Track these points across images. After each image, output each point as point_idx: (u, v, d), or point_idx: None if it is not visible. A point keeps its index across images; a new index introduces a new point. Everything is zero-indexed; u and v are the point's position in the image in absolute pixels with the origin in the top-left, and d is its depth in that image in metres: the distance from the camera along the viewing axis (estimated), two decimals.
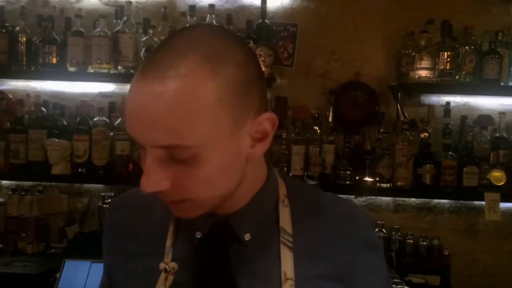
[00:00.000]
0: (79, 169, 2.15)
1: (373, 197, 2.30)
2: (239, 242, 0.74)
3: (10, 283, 1.84)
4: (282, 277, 0.72)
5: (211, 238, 0.75)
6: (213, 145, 0.63)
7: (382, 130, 2.23)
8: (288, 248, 0.74)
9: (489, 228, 2.28)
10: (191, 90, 0.61)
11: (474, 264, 2.29)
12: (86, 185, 2.34)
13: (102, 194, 2.23)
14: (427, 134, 2.18)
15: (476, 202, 2.26)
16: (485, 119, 2.27)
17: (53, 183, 2.30)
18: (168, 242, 0.76)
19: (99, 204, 2.22)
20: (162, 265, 0.74)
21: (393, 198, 2.30)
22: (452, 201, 2.30)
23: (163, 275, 0.74)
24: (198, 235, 0.75)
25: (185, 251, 0.76)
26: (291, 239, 0.75)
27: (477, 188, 2.10)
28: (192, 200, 0.67)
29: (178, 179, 0.64)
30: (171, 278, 0.73)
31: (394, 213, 2.31)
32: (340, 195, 0.86)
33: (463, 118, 2.25)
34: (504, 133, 2.19)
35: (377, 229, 2.12)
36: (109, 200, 2.20)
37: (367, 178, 2.18)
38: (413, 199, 2.31)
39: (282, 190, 0.80)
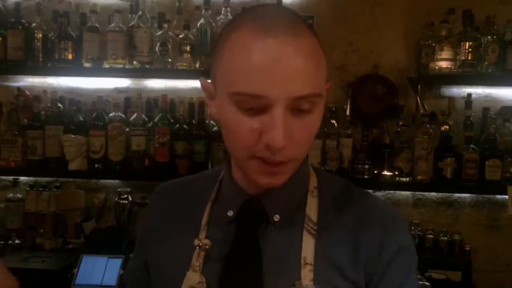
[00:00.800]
0: (96, 165, 2.15)
1: (392, 192, 2.26)
2: (267, 222, 0.79)
3: (28, 278, 1.85)
4: (302, 261, 0.75)
5: (242, 217, 0.80)
6: (323, 97, 0.71)
7: (401, 123, 2.18)
8: (311, 234, 0.77)
9: (511, 222, 2.23)
10: (318, 44, 0.71)
11: (496, 260, 2.23)
12: (102, 181, 2.35)
13: (119, 189, 2.23)
14: (447, 127, 2.13)
15: (499, 196, 2.20)
16: (508, 110, 2.20)
17: (70, 179, 2.31)
18: (204, 221, 0.82)
19: (116, 199, 2.22)
20: (196, 242, 0.80)
21: (413, 192, 2.25)
22: (473, 195, 2.25)
23: (197, 251, 0.80)
24: (230, 213, 0.80)
25: (218, 228, 0.81)
26: (315, 227, 0.78)
27: (500, 181, 2.05)
28: (295, 160, 0.73)
29: (296, 133, 0.69)
30: (202, 254, 0.79)
31: (413, 208, 2.27)
32: (369, 191, 0.86)
33: (485, 110, 2.19)
34: None
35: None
36: (125, 195, 2.21)
37: (385, 172, 2.13)
38: (433, 194, 2.26)
39: (313, 182, 0.84)
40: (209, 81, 0.77)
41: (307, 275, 0.75)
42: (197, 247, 0.79)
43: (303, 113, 0.68)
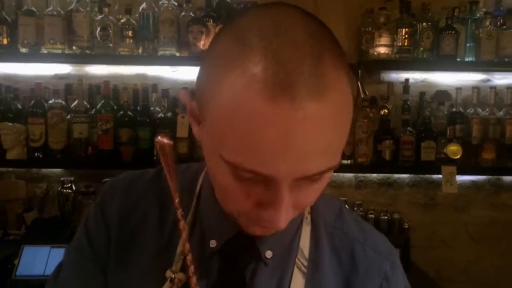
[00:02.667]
0: (36, 154, 2.08)
1: (335, 174, 2.33)
2: (258, 259, 0.67)
3: None
4: None
5: (228, 250, 0.67)
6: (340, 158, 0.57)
7: None
8: (302, 272, 0.68)
9: (447, 201, 2.35)
10: (348, 102, 0.53)
11: (433, 236, 2.36)
12: (44, 170, 2.28)
13: (62, 179, 2.18)
14: (386, 111, 2.21)
15: (435, 176, 2.32)
16: (442, 94, 2.32)
17: (10, 169, 2.23)
18: (179, 248, 0.68)
19: (59, 189, 2.17)
20: (168, 273, 0.67)
21: (355, 174, 2.34)
22: (411, 175, 2.36)
23: (167, 285, 0.67)
24: (213, 244, 0.67)
25: (196, 261, 0.66)
26: (306, 263, 0.69)
27: (435, 162, 2.16)
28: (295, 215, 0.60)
29: (300, 201, 0.56)
30: None
31: (356, 189, 2.35)
32: (357, 216, 0.78)
33: (422, 94, 2.29)
34: (460, 108, 2.24)
35: None
36: (69, 185, 2.16)
37: None
38: (374, 175, 2.35)
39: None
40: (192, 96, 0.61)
41: None
42: (169, 280, 0.67)
43: (312, 181, 0.55)
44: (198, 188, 0.72)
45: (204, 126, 0.57)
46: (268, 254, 0.67)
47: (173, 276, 0.66)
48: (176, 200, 0.61)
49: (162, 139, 0.59)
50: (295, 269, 0.68)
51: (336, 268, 0.70)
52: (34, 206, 2.20)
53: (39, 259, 1.80)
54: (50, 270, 1.74)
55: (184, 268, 0.67)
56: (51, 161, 2.11)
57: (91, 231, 0.73)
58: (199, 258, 0.66)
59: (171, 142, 0.60)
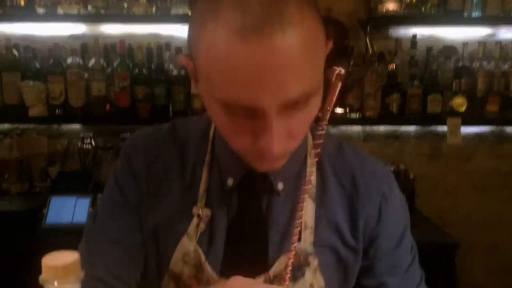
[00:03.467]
0: (56, 111, 2.17)
1: (343, 127, 2.42)
2: (271, 191, 0.75)
3: None
4: (303, 225, 0.75)
5: (244, 186, 0.75)
6: (321, 85, 0.63)
7: (352, 63, 2.31)
8: (311, 199, 0.76)
9: (451, 152, 2.44)
10: (315, 34, 0.59)
11: (437, 186, 2.46)
12: (64, 127, 2.37)
13: (81, 135, 2.27)
14: (394, 66, 2.27)
15: (440, 129, 2.40)
16: (449, 49, 2.37)
17: (31, 126, 2.32)
18: (202, 188, 0.77)
19: (79, 145, 2.27)
20: (195, 210, 0.76)
21: (363, 127, 2.42)
22: (417, 128, 2.44)
23: (195, 220, 0.76)
24: (230, 182, 0.75)
25: (217, 197, 0.76)
26: (314, 190, 0.77)
27: (441, 114, 2.23)
28: (291, 150, 0.66)
29: (292, 128, 0.61)
30: (203, 225, 0.75)
31: (364, 142, 2.44)
32: (356, 148, 0.85)
33: (429, 49, 2.34)
34: (466, 62, 2.30)
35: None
36: (88, 140, 2.25)
37: (337, 110, 2.28)
38: (381, 128, 2.43)
39: (309, 141, 0.79)
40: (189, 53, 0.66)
41: (307, 238, 0.75)
42: (196, 217, 0.76)
43: (299, 108, 0.60)
44: (211, 133, 0.80)
45: (199, 79, 0.64)
46: (280, 186, 0.75)
47: (200, 212, 0.75)
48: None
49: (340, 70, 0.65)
50: (306, 196, 0.74)
51: (340, 193, 0.78)
52: (57, 161, 2.30)
53: (66, 209, 1.91)
54: (77, 218, 1.88)
55: (208, 205, 0.76)
56: (71, 117, 2.19)
57: (121, 183, 0.81)
58: (219, 196, 0.76)
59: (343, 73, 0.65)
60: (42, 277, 0.41)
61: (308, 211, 0.76)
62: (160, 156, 0.80)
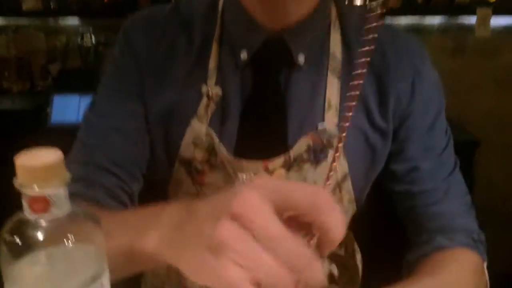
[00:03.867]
0: (51, 4, 2.01)
1: None
2: (290, 65, 0.67)
3: (0, 121, 1.84)
4: (326, 104, 0.67)
5: (260, 59, 0.67)
6: None
7: None
8: (336, 75, 0.68)
9: (476, 46, 2.27)
10: None
11: (459, 82, 2.32)
12: (61, 23, 2.22)
13: (80, 30, 2.13)
14: None
15: (466, 21, 2.21)
16: None
17: (26, 23, 2.17)
18: (211, 64, 0.68)
19: (78, 41, 2.13)
20: (204, 88, 0.67)
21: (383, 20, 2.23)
22: (442, 20, 2.24)
23: (205, 100, 0.67)
24: (244, 55, 0.66)
25: (229, 74, 0.68)
26: (339, 66, 0.68)
27: (470, 4, 2.03)
28: None
29: None
30: (213, 105, 0.67)
31: None
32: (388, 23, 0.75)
33: None
34: None
35: None
36: (88, 36, 2.11)
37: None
38: (402, 20, 2.24)
39: (333, 10, 0.71)
40: None
41: (331, 118, 0.68)
42: (205, 96, 0.67)
43: None
44: (220, 5, 0.70)
45: None
46: (301, 58, 0.66)
47: (209, 91, 0.67)
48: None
49: None
50: (329, 73, 0.68)
51: (369, 69, 0.69)
52: (57, 58, 2.19)
53: (71, 107, 1.84)
54: (82, 117, 1.81)
55: (219, 82, 0.68)
56: (67, 10, 2.04)
57: (120, 65, 0.72)
58: (232, 73, 0.68)
59: None
60: (18, 181, 0.32)
61: (332, 89, 0.68)
62: (163, 33, 0.71)
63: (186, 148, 0.69)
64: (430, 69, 0.73)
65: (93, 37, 2.13)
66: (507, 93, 2.34)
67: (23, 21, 2.19)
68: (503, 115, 2.36)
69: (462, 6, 2.04)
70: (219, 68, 0.68)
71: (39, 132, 1.81)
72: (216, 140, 0.67)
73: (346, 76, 0.68)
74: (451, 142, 0.75)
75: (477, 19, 2.03)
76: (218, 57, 0.68)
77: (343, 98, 0.68)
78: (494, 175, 2.38)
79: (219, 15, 0.70)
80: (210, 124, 0.68)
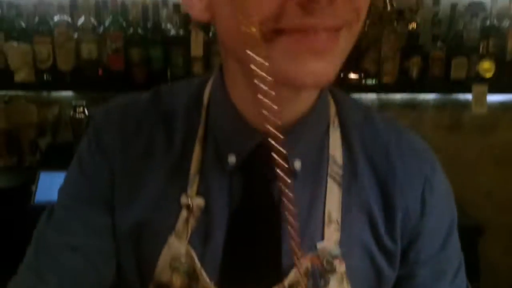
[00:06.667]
0: (44, 76, 1.99)
1: (357, 95, 2.22)
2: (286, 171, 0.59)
3: None
4: (326, 218, 0.59)
5: (250, 164, 0.58)
6: None
7: (367, 22, 2.09)
8: (337, 183, 0.60)
9: (473, 122, 2.25)
10: None
11: (457, 160, 2.28)
12: (54, 94, 2.19)
13: (73, 103, 2.10)
14: (415, 25, 2.06)
15: (462, 97, 2.20)
16: (476, 5, 2.13)
17: (19, 93, 2.14)
18: (193, 168, 0.60)
19: (71, 114, 2.10)
20: (183, 200, 0.58)
21: (378, 95, 2.23)
22: (437, 96, 2.24)
23: (184, 213, 0.59)
24: (232, 159, 0.58)
25: (213, 180, 0.59)
26: (340, 172, 0.61)
27: (465, 80, 2.03)
28: (349, 27, 0.49)
29: None
30: (193, 220, 0.58)
31: (378, 112, 2.25)
32: (388, 116, 0.69)
33: (453, 6, 2.11)
34: (495, 21, 2.08)
35: None
36: (81, 109, 2.08)
37: (352, 75, 2.08)
38: (398, 96, 2.24)
39: (332, 107, 0.64)
40: None
41: (332, 235, 0.59)
42: (185, 209, 0.59)
43: None
44: (206, 97, 0.63)
45: None
46: (297, 164, 0.59)
47: (189, 202, 0.58)
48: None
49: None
50: (329, 180, 0.60)
51: (371, 174, 0.62)
52: (47, 131, 2.14)
53: (57, 185, 1.74)
54: None
55: (201, 191, 0.59)
56: (61, 83, 2.02)
57: (86, 168, 0.64)
58: (217, 180, 0.59)
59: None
60: None
61: (332, 199, 0.60)
62: (139, 129, 0.63)
63: (163, 271, 0.59)
64: (441, 176, 0.66)
65: (85, 110, 2.10)
66: (506, 171, 2.30)
67: (15, 91, 2.16)
68: (504, 195, 2.30)
69: (457, 83, 2.04)
70: (202, 174, 0.60)
71: (22, 212, 1.73)
72: (198, 263, 0.58)
73: (348, 183, 0.61)
74: (463, 261, 0.67)
75: (473, 96, 2.02)
76: (201, 160, 0.60)
77: (345, 209, 0.60)
78: (499, 261, 2.29)
79: (203, 109, 0.62)
80: (191, 242, 0.58)
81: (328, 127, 0.63)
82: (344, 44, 0.50)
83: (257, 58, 0.42)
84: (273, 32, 0.46)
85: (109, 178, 0.62)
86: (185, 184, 0.60)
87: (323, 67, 0.48)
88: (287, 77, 0.48)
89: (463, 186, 2.23)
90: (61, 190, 0.67)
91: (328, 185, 0.60)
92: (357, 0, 0.48)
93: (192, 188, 0.59)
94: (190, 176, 0.60)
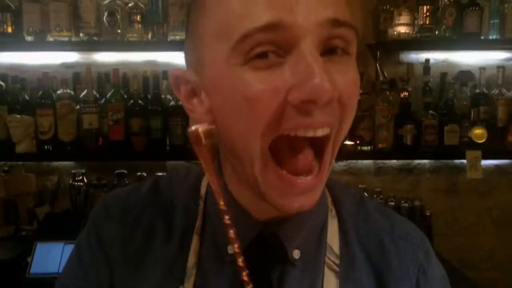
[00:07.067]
0: (45, 146, 2.02)
1: (353, 161, 2.25)
2: (284, 261, 0.59)
3: None
4: None
5: (249, 255, 0.56)
6: (357, 37, 0.52)
7: (361, 91, 2.16)
8: (334, 272, 0.61)
9: (469, 186, 2.27)
10: None
11: (456, 223, 2.29)
12: (54, 163, 2.22)
13: (73, 171, 2.12)
14: (407, 94, 2.12)
15: (457, 161, 2.24)
16: (465, 75, 2.21)
17: (19, 162, 2.17)
18: (191, 261, 0.61)
19: (70, 182, 2.12)
20: None
21: (374, 160, 2.26)
22: (433, 161, 2.27)
23: None
24: (230, 250, 0.59)
25: (211, 272, 0.60)
26: (337, 261, 0.61)
27: (459, 146, 2.07)
28: (337, 136, 0.53)
29: (337, 82, 0.49)
30: None
31: (375, 176, 2.27)
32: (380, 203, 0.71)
33: (443, 75, 2.19)
34: (484, 89, 2.14)
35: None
36: (80, 177, 2.10)
37: (347, 142, 2.12)
38: (393, 161, 2.27)
39: (328, 195, 0.66)
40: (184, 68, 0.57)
41: None
42: None
43: (337, 54, 0.50)
44: (203, 189, 0.65)
45: (204, 75, 0.53)
46: (296, 254, 0.60)
47: None
48: (221, 203, 0.53)
49: (197, 129, 0.51)
50: (326, 269, 0.61)
51: (365, 262, 0.63)
52: (46, 200, 2.15)
53: (53, 256, 1.75)
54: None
55: (198, 284, 0.60)
56: (61, 153, 2.04)
57: (85, 261, 0.65)
58: (215, 271, 0.60)
59: (210, 128, 0.52)
60: None
61: None
62: (140, 221, 0.64)
63: None
64: (436, 264, 0.66)
65: (84, 178, 2.12)
66: (506, 234, 2.29)
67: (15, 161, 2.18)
68: (505, 257, 2.28)
69: (451, 148, 2.07)
70: (200, 265, 0.60)
71: (17, 284, 1.71)
72: None
73: (344, 273, 0.61)
74: None
75: (468, 162, 2.05)
76: (198, 252, 0.61)
77: None
78: None
79: (201, 201, 0.64)
80: None
81: (327, 215, 0.64)
82: (330, 157, 0.54)
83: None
84: (273, 142, 0.50)
85: (107, 272, 0.63)
86: (183, 276, 0.60)
87: (308, 201, 0.53)
88: (276, 205, 0.53)
89: (463, 249, 2.22)
90: (59, 281, 0.67)
91: (326, 274, 0.61)
92: (346, 104, 0.51)
93: (190, 280, 0.60)
94: (188, 268, 0.60)
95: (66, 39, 2.00)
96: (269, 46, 0.47)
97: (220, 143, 0.57)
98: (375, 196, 2.15)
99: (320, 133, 0.50)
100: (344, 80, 0.50)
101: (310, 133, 0.50)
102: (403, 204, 2.16)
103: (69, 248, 1.75)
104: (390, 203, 2.16)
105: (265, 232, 0.59)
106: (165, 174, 0.72)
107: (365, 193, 2.15)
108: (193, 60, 0.55)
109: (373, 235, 0.65)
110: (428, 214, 2.15)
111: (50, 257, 1.75)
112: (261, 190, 0.52)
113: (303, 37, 0.47)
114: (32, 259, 1.74)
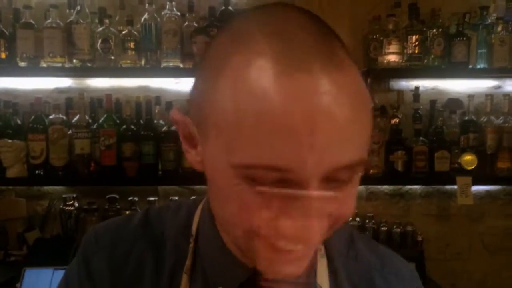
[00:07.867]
0: (37, 171, 2.01)
1: None
2: None
3: None
4: None
5: None
6: (365, 159, 0.48)
7: None
8: None
9: (461, 211, 2.28)
10: (364, 90, 0.46)
11: (448, 249, 2.29)
12: (45, 187, 2.21)
13: (64, 195, 2.11)
14: (397, 120, 2.15)
15: (448, 187, 2.25)
16: (454, 102, 2.25)
17: (10, 187, 2.16)
18: None
19: (61, 206, 2.10)
20: None
21: (366, 186, 2.27)
22: (424, 186, 2.29)
23: None
24: None
25: None
26: None
27: (449, 172, 2.09)
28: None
29: (331, 212, 0.47)
30: None
31: (367, 201, 2.28)
32: (370, 239, 0.70)
33: (432, 102, 2.23)
34: (473, 116, 2.18)
35: (353, 222, 2.08)
36: (71, 202, 2.09)
37: None
38: (385, 186, 2.28)
39: None
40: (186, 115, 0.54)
41: None
42: None
43: (338, 184, 0.46)
44: (194, 227, 0.63)
45: (206, 144, 0.49)
46: None
47: None
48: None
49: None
50: None
51: None
52: (36, 224, 2.13)
53: (42, 282, 1.73)
54: None
55: None
56: (52, 178, 2.03)
57: None
58: None
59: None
60: None
61: None
62: (130, 255, 0.63)
63: None
64: None
65: (75, 202, 2.10)
66: (498, 259, 2.29)
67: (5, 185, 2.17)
68: (498, 283, 2.28)
69: (442, 174, 2.09)
70: None
71: None
72: None
73: None
74: None
75: (458, 188, 2.06)
76: None
77: None
78: None
79: (192, 239, 0.63)
80: None
81: (316, 255, 0.62)
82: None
83: None
84: (248, 236, 0.48)
85: None
86: None
87: (296, 270, 0.50)
88: (263, 272, 0.51)
89: (455, 274, 2.22)
90: None
91: None
92: (337, 217, 0.49)
93: None
94: None
95: (60, 65, 2.01)
96: (271, 180, 0.44)
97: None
98: (367, 221, 2.16)
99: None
100: (338, 211, 0.48)
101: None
102: (395, 229, 2.17)
103: (59, 274, 1.74)
104: (382, 228, 2.16)
105: (255, 276, 0.57)
106: (156, 205, 0.71)
107: (357, 218, 2.16)
108: (192, 126, 0.52)
109: (364, 274, 0.64)
110: (420, 239, 2.15)
111: (39, 283, 1.72)
112: (247, 255, 0.51)
113: (307, 181, 0.44)
114: (21, 285, 1.71)
